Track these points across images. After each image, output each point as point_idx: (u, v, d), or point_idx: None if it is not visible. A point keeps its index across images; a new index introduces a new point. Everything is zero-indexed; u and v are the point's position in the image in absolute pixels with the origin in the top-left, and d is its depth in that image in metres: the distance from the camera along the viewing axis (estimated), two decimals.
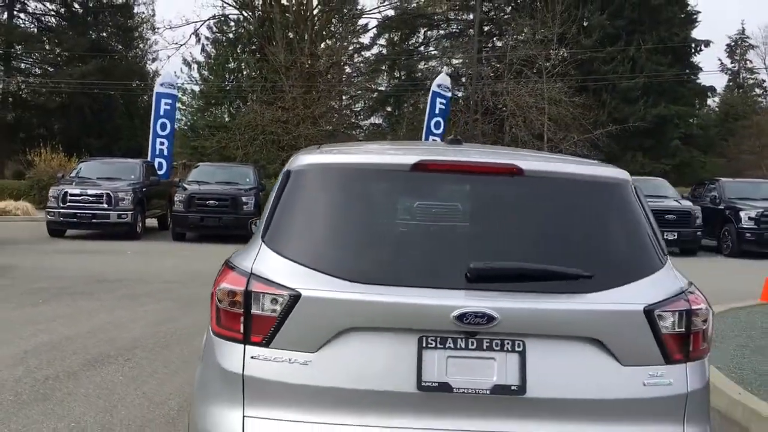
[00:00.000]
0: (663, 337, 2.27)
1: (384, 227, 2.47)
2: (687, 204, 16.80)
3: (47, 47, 36.78)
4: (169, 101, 22.45)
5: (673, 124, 36.75)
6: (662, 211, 16.27)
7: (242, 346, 2.29)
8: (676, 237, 16.14)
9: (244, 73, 35.70)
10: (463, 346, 2.23)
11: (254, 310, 2.29)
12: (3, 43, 34.62)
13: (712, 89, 43.24)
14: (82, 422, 4.41)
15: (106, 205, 15.80)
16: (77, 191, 15.91)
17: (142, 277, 10.51)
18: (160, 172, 20.16)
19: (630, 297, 2.29)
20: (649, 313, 2.27)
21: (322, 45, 35.21)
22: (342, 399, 2.22)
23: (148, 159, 20.98)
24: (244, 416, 2.25)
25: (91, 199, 15.85)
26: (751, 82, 51.58)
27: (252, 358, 2.27)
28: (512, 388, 2.21)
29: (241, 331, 2.30)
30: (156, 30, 39.91)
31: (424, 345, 2.23)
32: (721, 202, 17.20)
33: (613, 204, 2.51)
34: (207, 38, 35.62)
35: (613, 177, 2.57)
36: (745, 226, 16.02)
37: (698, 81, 40.61)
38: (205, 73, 35.93)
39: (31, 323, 7.14)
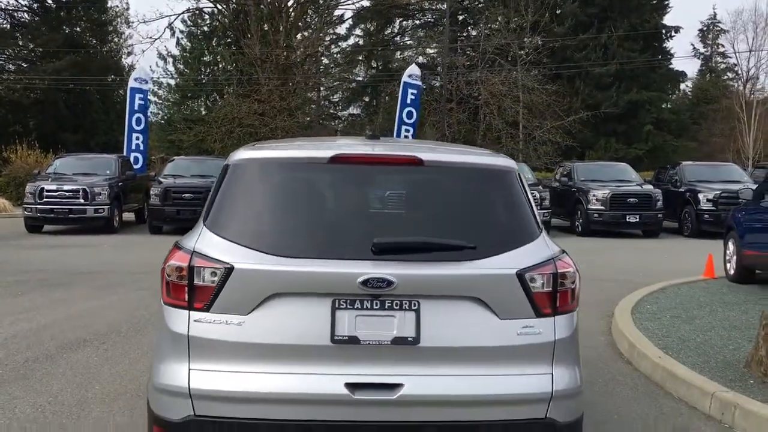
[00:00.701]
0: (533, 295, 2.74)
1: (305, 210, 2.91)
2: (648, 188, 17.41)
3: (20, 43, 36.61)
4: (143, 96, 22.69)
5: (646, 110, 37.49)
6: (624, 195, 16.93)
7: (187, 312, 2.73)
8: (638, 219, 16.79)
9: (220, 66, 35.83)
10: (368, 306, 2.69)
11: (196, 282, 2.73)
12: None
13: (683, 74, 44.11)
14: (60, 397, 4.82)
15: (82, 200, 16.08)
16: (53, 187, 16.17)
17: (118, 269, 10.87)
18: (136, 167, 20.42)
19: (506, 263, 2.76)
20: (520, 275, 2.74)
21: (299, 36, 35.36)
22: (270, 352, 2.67)
23: (125, 154, 21.22)
24: (189, 369, 2.70)
25: (67, 194, 16.12)
26: (723, 66, 52.48)
27: (195, 321, 2.71)
28: (408, 339, 2.67)
29: (186, 299, 2.74)
30: (130, 24, 39.95)
31: (336, 306, 2.68)
32: (681, 185, 17.84)
33: (498, 188, 2.98)
34: (182, 32, 35.72)
35: (500, 165, 3.06)
36: (703, 207, 16.66)
37: (671, 66, 41.38)
38: (181, 66, 36.01)
39: (11, 313, 7.50)
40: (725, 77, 51.21)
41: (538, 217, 2.98)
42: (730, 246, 9.58)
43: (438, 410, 2.65)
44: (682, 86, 47.13)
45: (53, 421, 4.37)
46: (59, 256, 12.45)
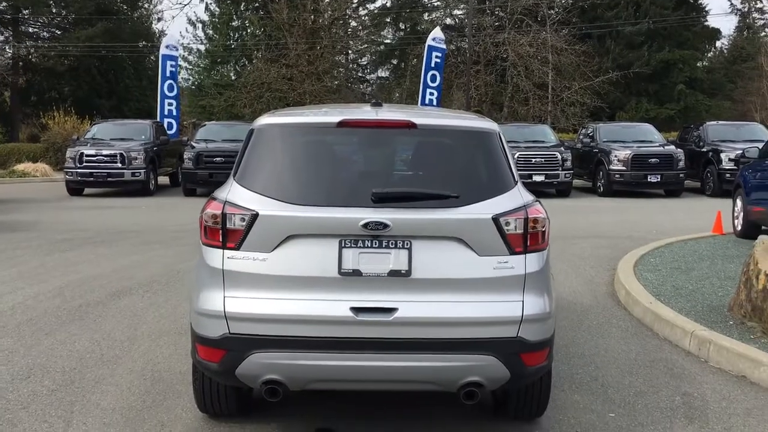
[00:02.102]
0: (507, 236, 3.24)
1: (317, 166, 3.44)
2: (670, 148, 17.56)
3: (54, 10, 37.39)
4: (174, 62, 23.29)
5: (678, 69, 36.71)
6: (646, 155, 17.12)
7: (221, 250, 3.30)
8: (659, 179, 17.00)
9: (248, 30, 36.18)
10: (369, 245, 3.21)
11: (228, 226, 3.29)
12: (11, 8, 35.27)
13: (718, 32, 43.01)
14: (112, 334, 5.51)
15: (119, 165, 16.87)
16: (92, 152, 16.97)
17: (155, 228, 11.60)
18: (169, 132, 21.14)
19: (484, 209, 3.25)
20: (495, 220, 3.24)
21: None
22: (288, 282, 3.22)
23: (158, 119, 21.96)
24: (224, 296, 3.27)
25: (105, 159, 16.92)
26: (761, 23, 51.04)
27: (228, 258, 3.28)
28: (402, 272, 3.20)
29: (220, 240, 3.30)
30: None
31: (343, 245, 3.22)
32: (704, 144, 17.94)
33: (480, 146, 3.48)
34: None
35: (483, 127, 3.56)
36: (725, 167, 16.78)
37: (706, 24, 40.42)
38: (210, 32, 36.52)
39: (62, 266, 8.25)
40: (763, 34, 49.82)
41: (514, 172, 3.47)
42: (738, 203, 9.90)
43: (426, 329, 3.18)
44: (718, 44, 46.08)
45: (108, 353, 5.05)
46: (100, 217, 13.24)
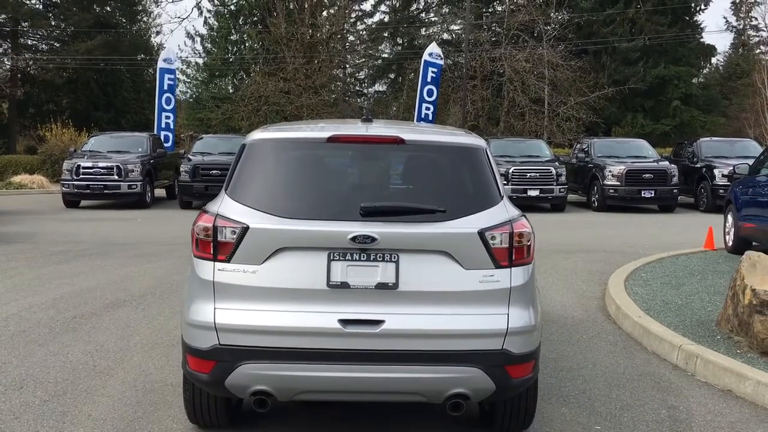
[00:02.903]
0: (492, 250, 3.30)
1: (307, 180, 3.51)
2: (664, 164, 17.67)
3: (53, 23, 37.56)
4: (172, 76, 23.44)
5: (674, 85, 37.00)
6: (640, 170, 17.24)
7: (212, 262, 3.35)
8: (653, 195, 17.10)
9: (247, 44, 36.37)
10: (357, 258, 3.28)
11: (219, 239, 3.35)
12: (10, 21, 35.43)
13: (713, 49, 43.36)
14: (105, 346, 5.55)
15: (116, 177, 16.92)
16: (89, 164, 17.02)
17: (151, 240, 11.64)
18: (166, 145, 21.23)
19: (470, 224, 3.32)
20: (481, 234, 3.31)
21: (324, 14, 35.73)
22: (278, 294, 3.27)
23: (155, 132, 22.05)
24: (215, 308, 3.33)
25: (102, 171, 16.97)
26: (756, 40, 51.51)
27: (219, 270, 3.33)
28: (389, 284, 3.26)
29: (212, 252, 3.36)
30: (158, 3, 40.68)
31: (331, 258, 3.28)
32: (698, 160, 18.07)
33: (468, 162, 3.56)
34: (209, 11, 36.34)
35: (470, 143, 3.63)
36: (719, 182, 16.89)
37: (701, 40, 40.78)
38: (208, 45, 36.71)
39: (57, 278, 8.28)
40: (758, 51, 50.24)
41: (500, 187, 3.54)
42: (729, 219, 9.98)
43: (413, 341, 3.24)
44: (713, 61, 46.41)
45: (100, 364, 5.09)
46: (96, 229, 13.27)
